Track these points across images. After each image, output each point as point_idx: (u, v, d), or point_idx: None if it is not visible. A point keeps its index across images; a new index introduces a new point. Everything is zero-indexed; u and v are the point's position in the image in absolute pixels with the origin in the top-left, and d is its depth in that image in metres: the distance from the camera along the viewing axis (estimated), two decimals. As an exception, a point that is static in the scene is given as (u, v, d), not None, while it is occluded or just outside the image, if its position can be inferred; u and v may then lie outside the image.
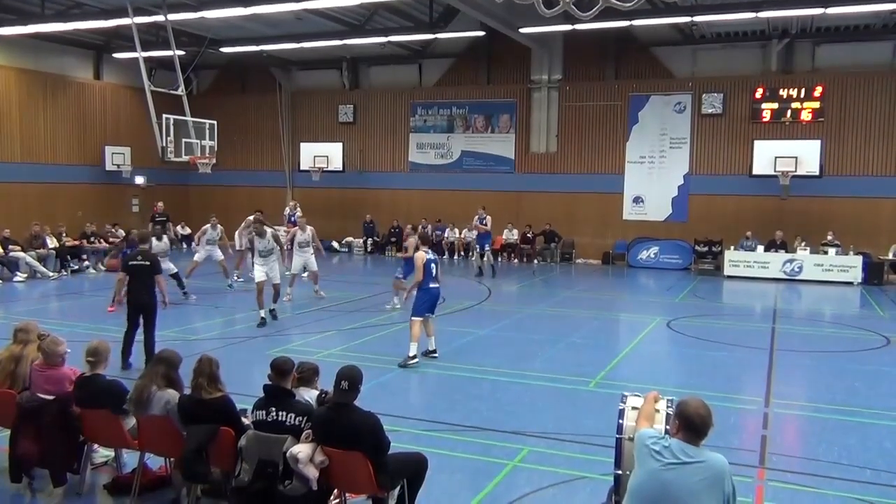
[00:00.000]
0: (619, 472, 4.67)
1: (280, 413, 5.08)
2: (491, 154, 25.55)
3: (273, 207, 26.14)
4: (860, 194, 21.22)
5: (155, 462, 6.08)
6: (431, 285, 10.39)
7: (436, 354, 10.49)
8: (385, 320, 13.45)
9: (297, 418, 5.06)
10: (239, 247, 18.16)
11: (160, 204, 22.73)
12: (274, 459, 4.97)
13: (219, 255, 17.02)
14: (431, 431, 7.36)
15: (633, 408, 4.78)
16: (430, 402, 8.58)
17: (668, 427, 4.40)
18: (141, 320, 9.67)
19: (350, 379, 5.02)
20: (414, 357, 10.16)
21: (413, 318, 10.30)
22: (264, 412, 5.12)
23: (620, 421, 4.75)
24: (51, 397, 5.76)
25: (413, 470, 5.24)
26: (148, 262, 9.69)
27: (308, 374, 5.74)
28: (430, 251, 10.65)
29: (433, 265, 10.44)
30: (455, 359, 10.66)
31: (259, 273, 13.23)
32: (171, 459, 5.74)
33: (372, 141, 27.11)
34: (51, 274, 18.69)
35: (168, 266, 14.91)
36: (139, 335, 9.72)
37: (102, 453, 6.38)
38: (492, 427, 7.59)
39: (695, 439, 3.88)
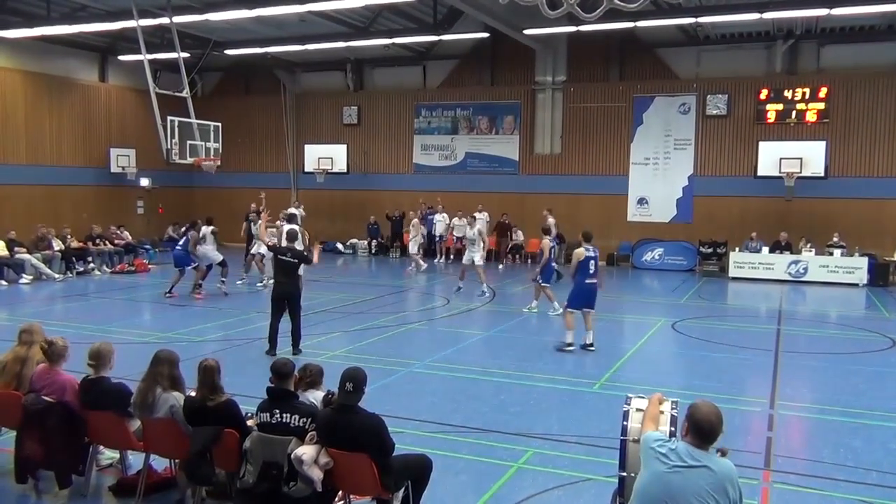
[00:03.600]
0: (624, 473, 4.66)
1: (284, 415, 5.09)
2: (495, 155, 25.55)
3: (278, 209, 26.17)
4: (865, 195, 21.16)
5: (160, 463, 6.09)
6: (587, 281, 11.32)
7: (592, 348, 11.29)
8: (390, 322, 13.46)
9: (302, 420, 5.08)
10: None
11: (253, 205, 22.45)
12: (278, 461, 4.98)
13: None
14: (436, 433, 7.36)
15: (638, 409, 4.77)
16: (434, 403, 8.57)
17: (672, 429, 4.40)
18: (286, 310, 10.63)
19: (354, 380, 5.01)
20: (570, 344, 11.26)
21: (567, 309, 11.40)
22: (268, 414, 5.14)
23: (625, 423, 4.75)
24: (54, 400, 5.77)
25: (417, 472, 5.24)
26: (296, 260, 10.64)
27: (314, 377, 5.77)
28: (590, 248, 11.42)
29: (592, 262, 11.32)
30: (459, 360, 10.66)
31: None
32: (176, 461, 5.76)
33: (376, 142, 27.13)
34: (56, 276, 18.73)
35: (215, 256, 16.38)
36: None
37: (108, 455, 6.39)
38: (496, 429, 7.59)
39: (703, 444, 3.87)
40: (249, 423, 5.42)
